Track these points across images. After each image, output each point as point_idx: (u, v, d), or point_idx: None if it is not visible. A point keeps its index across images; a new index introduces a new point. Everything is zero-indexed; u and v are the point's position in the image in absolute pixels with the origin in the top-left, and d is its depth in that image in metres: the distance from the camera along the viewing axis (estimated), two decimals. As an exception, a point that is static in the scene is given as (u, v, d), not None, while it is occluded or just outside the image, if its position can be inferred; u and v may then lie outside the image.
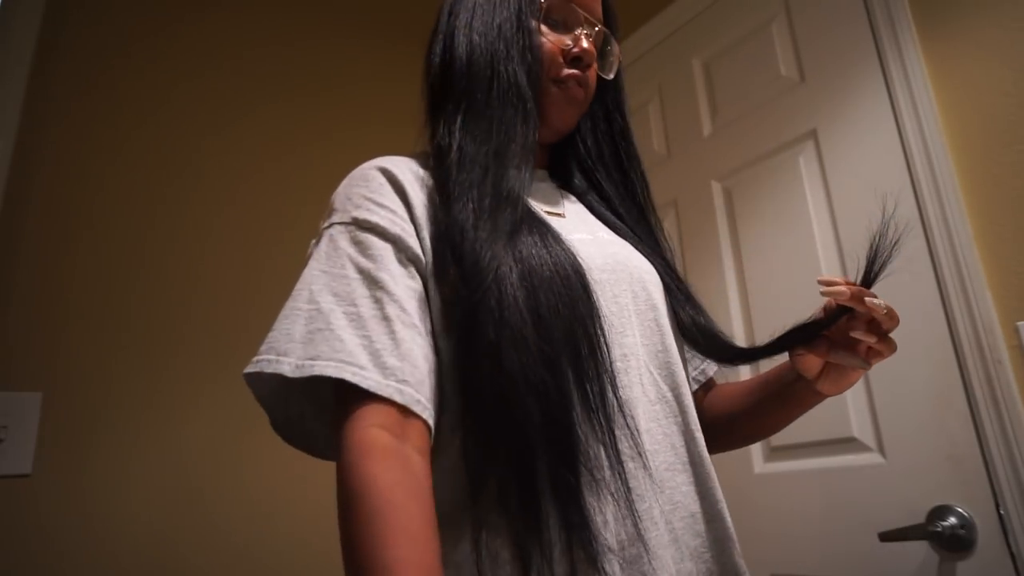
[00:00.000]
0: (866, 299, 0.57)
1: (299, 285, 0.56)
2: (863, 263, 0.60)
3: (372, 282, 0.54)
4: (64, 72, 1.33)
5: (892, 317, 0.58)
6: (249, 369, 0.52)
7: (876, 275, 0.60)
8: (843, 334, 0.61)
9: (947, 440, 1.04)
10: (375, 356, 0.50)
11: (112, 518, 1.17)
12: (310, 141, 1.64)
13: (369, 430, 0.48)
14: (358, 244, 0.57)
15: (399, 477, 0.47)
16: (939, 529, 0.99)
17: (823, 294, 0.59)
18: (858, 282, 0.60)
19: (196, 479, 1.27)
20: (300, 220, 1.52)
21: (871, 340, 0.59)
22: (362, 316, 0.52)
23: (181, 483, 1.25)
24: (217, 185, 1.47)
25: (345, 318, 0.52)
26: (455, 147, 0.62)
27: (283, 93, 1.64)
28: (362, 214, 0.58)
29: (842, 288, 0.58)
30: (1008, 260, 1.03)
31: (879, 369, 1.15)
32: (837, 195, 1.26)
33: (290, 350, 0.51)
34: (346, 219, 0.59)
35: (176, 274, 1.36)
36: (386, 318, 0.53)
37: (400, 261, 0.57)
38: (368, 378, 0.49)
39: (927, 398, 1.08)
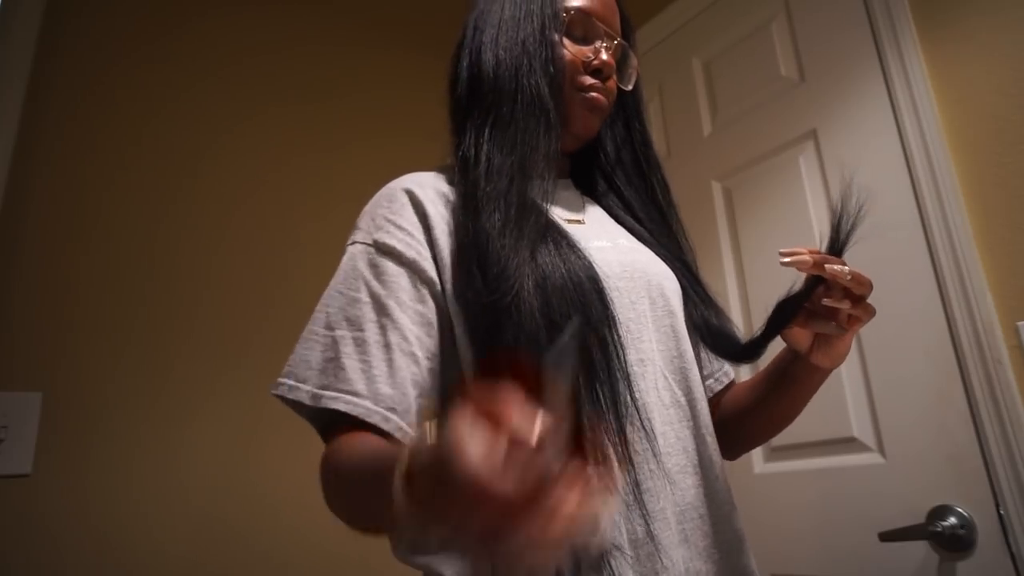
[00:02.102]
0: (826, 266, 0.58)
1: (320, 304, 0.62)
2: (827, 232, 0.61)
3: (381, 308, 0.59)
4: (66, 70, 1.32)
5: (861, 282, 0.59)
6: (273, 391, 0.59)
7: (844, 243, 0.60)
8: (820, 303, 0.62)
9: (947, 440, 1.04)
10: (371, 382, 0.56)
11: (112, 518, 1.17)
12: (318, 146, 1.64)
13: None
14: (374, 267, 0.62)
15: (363, 444, 0.53)
16: (939, 529, 1.00)
17: (784, 264, 0.59)
18: (823, 251, 0.60)
19: (198, 479, 1.27)
20: (307, 224, 1.53)
21: (845, 306, 0.60)
22: (367, 341, 0.58)
23: (182, 483, 1.25)
24: (223, 186, 1.47)
25: (352, 344, 0.58)
26: (483, 158, 0.65)
27: (292, 97, 1.63)
28: (382, 236, 0.63)
29: (804, 257, 0.59)
30: (1008, 260, 1.03)
31: (879, 369, 1.17)
32: (837, 195, 1.26)
33: (308, 377, 0.58)
34: (367, 240, 0.64)
35: (180, 274, 1.36)
36: (387, 345, 0.58)
37: (414, 285, 0.61)
38: (360, 405, 0.55)
39: (927, 398, 1.08)
